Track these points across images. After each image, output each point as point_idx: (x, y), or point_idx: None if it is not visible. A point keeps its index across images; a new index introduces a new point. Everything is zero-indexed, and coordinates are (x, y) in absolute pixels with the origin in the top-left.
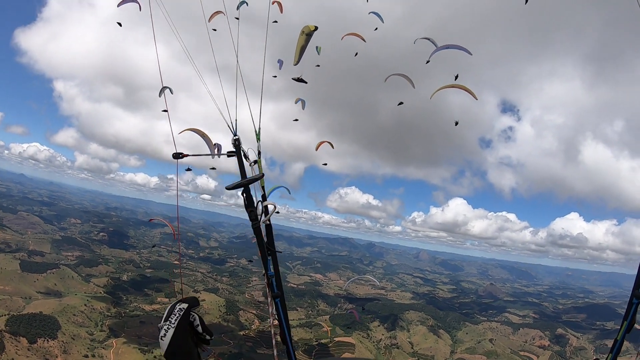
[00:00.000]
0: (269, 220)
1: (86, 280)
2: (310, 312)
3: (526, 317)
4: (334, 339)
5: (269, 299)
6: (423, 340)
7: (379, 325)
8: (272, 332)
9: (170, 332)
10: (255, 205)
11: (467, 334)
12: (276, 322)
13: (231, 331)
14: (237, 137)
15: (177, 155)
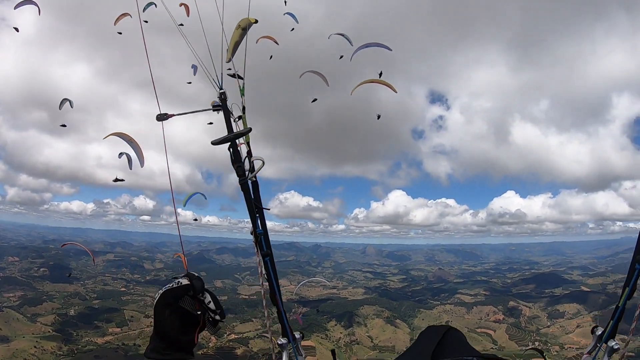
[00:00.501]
0: (255, 177)
1: (32, 320)
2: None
3: (477, 295)
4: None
5: (258, 258)
6: (381, 333)
7: (335, 325)
8: (263, 292)
9: (157, 295)
10: (242, 160)
11: (423, 319)
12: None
13: None
14: (222, 90)
15: (162, 117)
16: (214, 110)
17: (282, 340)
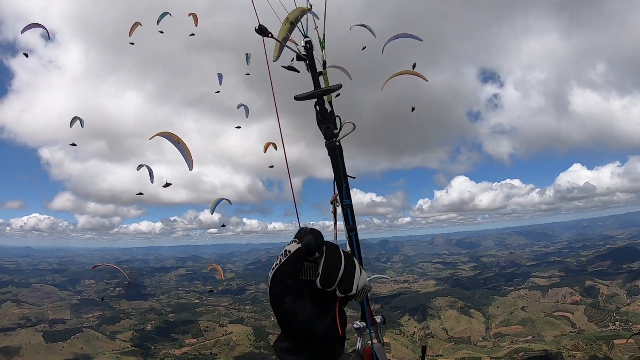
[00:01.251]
0: (340, 141)
1: (111, 338)
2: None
3: (552, 277)
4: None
5: (337, 230)
6: (456, 324)
7: (409, 319)
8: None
9: (268, 281)
10: (329, 121)
11: (498, 307)
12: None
13: (264, 358)
14: (308, 38)
15: (262, 30)
16: (298, 60)
17: (359, 324)
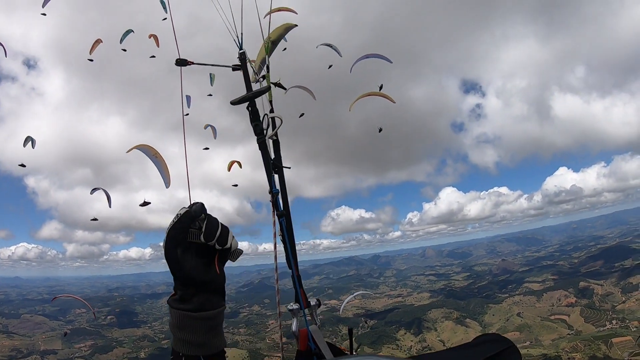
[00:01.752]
0: (276, 135)
1: None
2: (334, 339)
3: (546, 281)
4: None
5: (274, 218)
6: (453, 335)
7: (405, 333)
8: (275, 255)
9: (163, 239)
10: (260, 119)
11: (493, 315)
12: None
13: None
14: (242, 50)
15: (182, 62)
16: (233, 70)
17: (294, 306)
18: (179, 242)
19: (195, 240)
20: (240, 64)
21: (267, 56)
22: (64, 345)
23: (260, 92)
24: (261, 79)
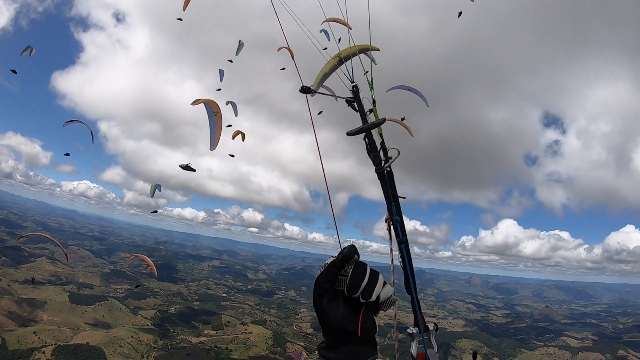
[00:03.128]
0: (390, 166)
1: (134, 312)
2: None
3: (585, 339)
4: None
5: (392, 245)
6: None
7: None
8: (392, 279)
9: (313, 287)
10: (378, 150)
11: None
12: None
13: None
14: (354, 83)
15: (306, 90)
16: (348, 104)
17: (413, 330)
18: (325, 291)
19: (342, 289)
20: (353, 96)
21: (371, 90)
22: (102, 282)
23: (375, 124)
24: (369, 113)
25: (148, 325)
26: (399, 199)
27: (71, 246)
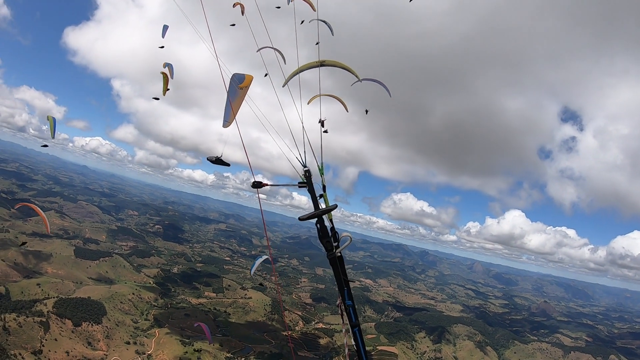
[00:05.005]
0: (341, 252)
1: (137, 270)
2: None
3: (579, 339)
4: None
5: (344, 329)
6: (469, 356)
7: (424, 337)
8: None
9: None
10: (329, 236)
11: (515, 353)
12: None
13: (274, 331)
14: (307, 168)
15: (258, 184)
16: (299, 187)
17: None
18: None
19: None
20: (305, 181)
21: (322, 176)
22: (108, 238)
23: (327, 210)
24: (319, 197)
25: (150, 283)
26: (350, 283)
27: (80, 201)
